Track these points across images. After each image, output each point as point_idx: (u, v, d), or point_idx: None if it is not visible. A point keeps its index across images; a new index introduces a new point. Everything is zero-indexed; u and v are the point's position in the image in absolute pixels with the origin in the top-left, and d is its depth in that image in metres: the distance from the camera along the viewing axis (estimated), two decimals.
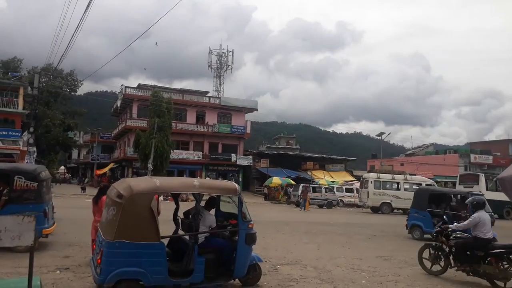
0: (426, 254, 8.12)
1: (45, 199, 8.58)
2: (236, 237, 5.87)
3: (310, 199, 27.64)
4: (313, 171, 45.28)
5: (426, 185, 24.29)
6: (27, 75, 41.96)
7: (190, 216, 6.38)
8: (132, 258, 4.90)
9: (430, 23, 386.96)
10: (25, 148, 32.86)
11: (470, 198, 8.06)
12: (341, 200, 32.82)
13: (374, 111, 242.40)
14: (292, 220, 18.33)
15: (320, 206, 29.44)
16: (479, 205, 7.51)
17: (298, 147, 66.71)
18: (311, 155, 52.59)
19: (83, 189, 32.16)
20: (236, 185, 6.21)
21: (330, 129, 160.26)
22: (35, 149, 32.95)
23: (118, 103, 44.22)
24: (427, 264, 8.05)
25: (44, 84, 40.00)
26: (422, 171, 43.76)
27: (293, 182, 35.54)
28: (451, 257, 7.63)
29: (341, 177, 44.68)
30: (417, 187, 20.28)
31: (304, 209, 25.45)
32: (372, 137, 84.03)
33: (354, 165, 57.61)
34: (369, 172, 35.78)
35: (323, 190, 30.98)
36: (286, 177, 39.03)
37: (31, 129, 31.38)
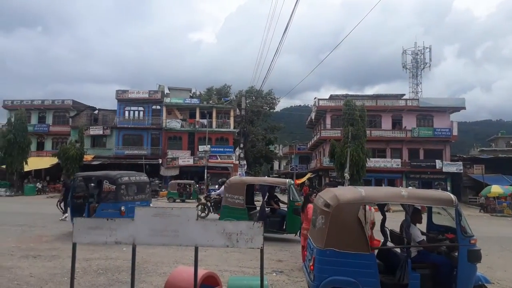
0: (199, 208, 16.53)
1: (123, 199, 10.11)
2: (455, 253, 5.21)
3: None
4: None
5: None
6: (235, 98, 48.84)
7: (400, 228, 6.00)
8: (343, 267, 4.89)
9: None
10: (237, 162, 38.11)
11: (220, 180, 21.20)
12: None
13: None
14: None
15: None
16: (222, 182, 16.54)
17: None
18: None
19: None
20: (452, 195, 5.48)
21: None
22: (245, 162, 37.81)
23: (312, 115, 46.32)
24: (200, 211, 16.02)
25: (248, 105, 45.53)
26: None
27: None
28: (212, 208, 16.19)
29: None
30: None
31: None
32: None
33: None
34: None
35: None
36: (510, 185, 32.85)
37: (241, 145, 36.15)
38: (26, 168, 35.12)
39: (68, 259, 7.39)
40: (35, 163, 37.93)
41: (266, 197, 11.42)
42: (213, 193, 18.33)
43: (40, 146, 44.84)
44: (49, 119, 45.18)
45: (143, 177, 11.52)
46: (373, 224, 6.15)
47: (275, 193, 12.62)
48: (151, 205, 11.50)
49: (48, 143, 45.01)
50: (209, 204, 16.63)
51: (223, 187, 14.83)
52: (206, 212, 16.63)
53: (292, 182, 12.14)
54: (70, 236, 9.74)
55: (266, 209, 11.16)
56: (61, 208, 14.42)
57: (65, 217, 14.20)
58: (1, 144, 33.19)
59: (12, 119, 34.74)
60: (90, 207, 10.49)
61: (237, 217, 10.23)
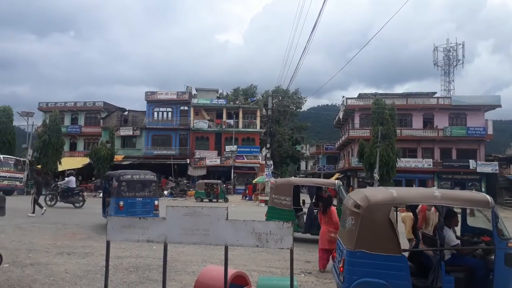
0: (48, 197, 18.54)
1: (122, 195, 11.24)
2: (492, 257, 5.01)
3: None
4: None
5: None
6: (261, 98, 48.90)
7: (433, 229, 5.83)
8: (373, 269, 4.79)
9: None
10: (264, 162, 38.09)
11: (68, 171, 21.17)
12: None
13: None
14: None
15: None
16: (70, 173, 19.47)
17: None
18: None
19: None
20: (488, 196, 5.27)
21: None
22: (271, 162, 37.71)
23: (340, 114, 45.77)
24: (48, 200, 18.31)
25: (274, 105, 45.51)
26: None
27: None
28: (59, 197, 18.27)
29: None
30: None
31: None
32: None
33: None
34: None
35: None
36: None
37: (268, 145, 36.08)
38: (60, 168, 36.41)
39: (101, 256, 7.62)
40: (68, 163, 39.27)
41: (314, 199, 11.26)
42: (60, 182, 20.07)
43: (73, 147, 46.46)
44: (81, 120, 46.75)
45: (149, 176, 12.20)
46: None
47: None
48: (156, 202, 12.04)
49: (80, 144, 46.57)
50: (56, 194, 18.59)
51: (70, 177, 18.56)
52: (54, 201, 18.43)
53: (341, 183, 11.93)
54: (102, 234, 10.06)
55: (314, 210, 11.03)
56: (39, 205, 14.78)
57: (41, 213, 14.66)
58: (37, 145, 34.57)
59: (47, 121, 36.14)
60: (106, 201, 12.20)
61: (284, 218, 10.04)
